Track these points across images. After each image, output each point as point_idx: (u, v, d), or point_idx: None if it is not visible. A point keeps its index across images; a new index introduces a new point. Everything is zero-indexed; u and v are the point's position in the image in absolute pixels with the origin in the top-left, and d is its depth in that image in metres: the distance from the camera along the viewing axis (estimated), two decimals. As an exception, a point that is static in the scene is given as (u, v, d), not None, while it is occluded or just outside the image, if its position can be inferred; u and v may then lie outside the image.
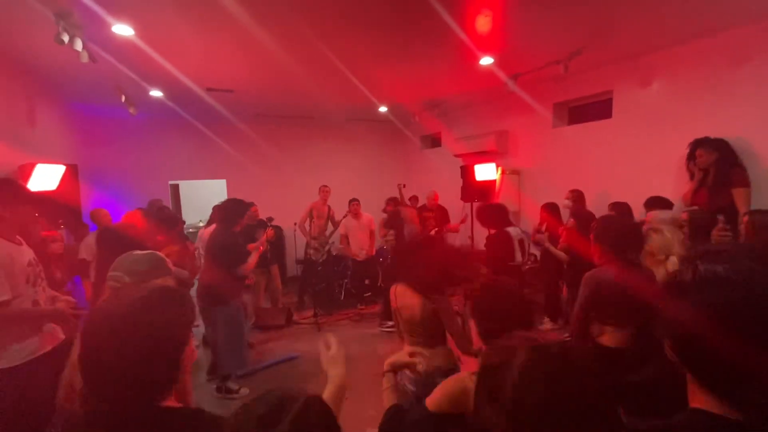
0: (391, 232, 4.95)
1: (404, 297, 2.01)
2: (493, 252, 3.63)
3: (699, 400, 0.73)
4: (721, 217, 2.44)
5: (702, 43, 3.49)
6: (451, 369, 1.92)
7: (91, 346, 0.81)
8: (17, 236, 2.02)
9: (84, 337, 0.83)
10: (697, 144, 3.10)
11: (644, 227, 2.19)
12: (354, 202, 5.60)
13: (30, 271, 1.98)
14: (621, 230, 1.96)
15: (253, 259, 3.35)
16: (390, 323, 4.39)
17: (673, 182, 3.39)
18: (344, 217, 5.65)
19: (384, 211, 5.81)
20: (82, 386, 0.85)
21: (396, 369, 1.50)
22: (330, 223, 5.70)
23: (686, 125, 3.58)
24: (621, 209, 3.52)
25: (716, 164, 3.00)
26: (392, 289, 2.10)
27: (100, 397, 0.81)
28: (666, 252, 1.96)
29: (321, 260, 5.59)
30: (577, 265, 3.31)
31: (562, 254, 3.76)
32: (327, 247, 5.63)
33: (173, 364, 0.86)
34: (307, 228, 5.55)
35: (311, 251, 5.53)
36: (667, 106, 3.81)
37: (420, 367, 1.55)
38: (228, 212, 3.34)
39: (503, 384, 0.69)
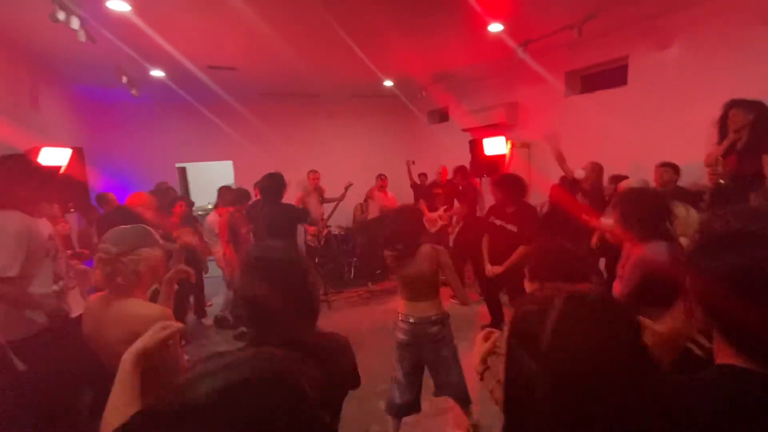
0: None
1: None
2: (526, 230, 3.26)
3: (726, 355, 0.75)
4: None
5: (724, 2, 3.28)
6: (440, 318, 2.26)
7: (256, 291, 1.03)
8: (37, 210, 2.06)
9: (245, 282, 1.06)
10: (732, 104, 2.88)
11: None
12: (382, 177, 5.56)
13: (50, 245, 2.03)
14: (654, 202, 1.84)
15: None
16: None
17: (701, 149, 3.22)
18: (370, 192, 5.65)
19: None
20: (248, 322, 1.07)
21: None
22: (323, 204, 5.68)
23: (708, 90, 3.41)
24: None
25: (751, 127, 2.79)
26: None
27: (267, 329, 1.02)
28: (687, 231, 1.87)
29: (320, 245, 5.57)
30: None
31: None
32: (325, 231, 5.60)
33: (318, 299, 1.11)
34: None
35: (309, 238, 5.51)
36: (686, 70, 3.63)
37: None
38: (272, 189, 3.37)
39: (540, 331, 0.67)
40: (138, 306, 1.35)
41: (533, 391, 0.65)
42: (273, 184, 3.37)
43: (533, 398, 0.65)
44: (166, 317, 1.29)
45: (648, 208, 1.82)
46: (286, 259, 1.10)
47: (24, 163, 2.07)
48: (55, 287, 2.03)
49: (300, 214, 3.57)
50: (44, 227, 2.04)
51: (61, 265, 2.09)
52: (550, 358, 0.65)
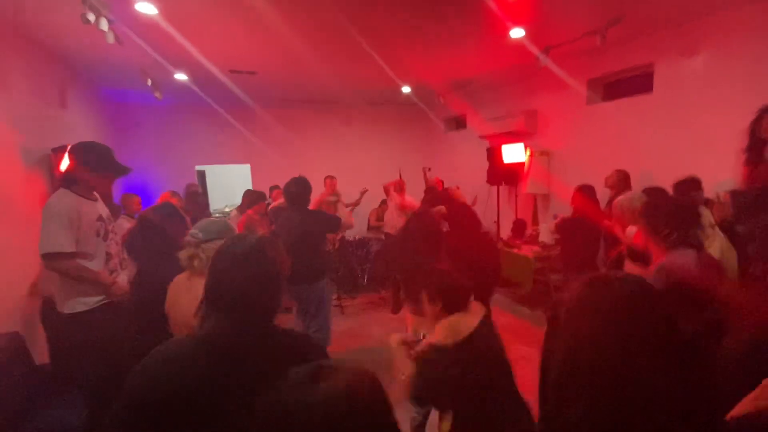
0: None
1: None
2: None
3: None
4: None
5: (754, 7, 3.17)
6: None
7: (219, 278, 1.01)
8: (93, 193, 2.19)
9: (212, 271, 1.02)
10: (767, 110, 2.76)
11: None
12: (400, 179, 5.53)
13: (100, 225, 2.14)
14: (675, 206, 1.78)
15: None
16: None
17: (729, 160, 3.08)
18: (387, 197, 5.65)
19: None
20: (202, 313, 1.02)
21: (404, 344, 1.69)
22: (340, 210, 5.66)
23: (736, 98, 3.29)
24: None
25: None
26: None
27: (225, 320, 0.97)
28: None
29: (335, 249, 5.54)
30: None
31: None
32: (339, 236, 5.57)
33: (279, 293, 1.05)
34: None
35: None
36: (714, 77, 3.51)
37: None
38: (300, 195, 3.30)
39: (560, 317, 0.73)
40: None
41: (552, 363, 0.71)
42: (301, 190, 3.29)
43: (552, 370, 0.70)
44: None
45: (674, 215, 1.74)
46: (247, 248, 1.05)
47: (106, 153, 2.19)
48: (108, 266, 2.17)
49: (332, 223, 3.47)
50: (96, 208, 2.16)
51: (111, 246, 2.21)
52: (570, 339, 0.69)
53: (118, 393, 0.87)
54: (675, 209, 1.78)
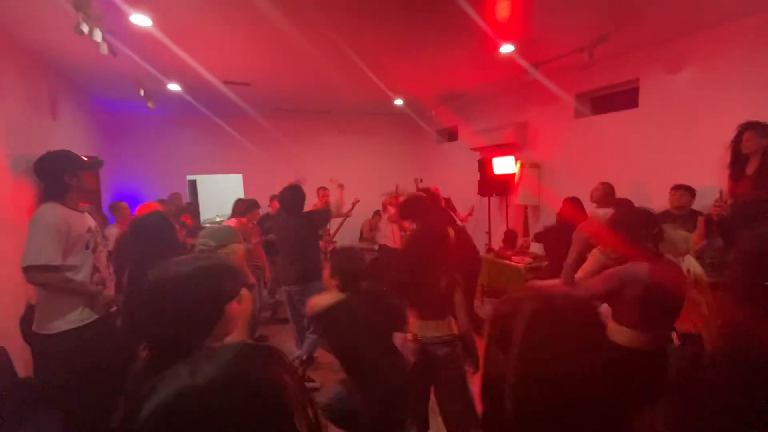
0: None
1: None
2: None
3: None
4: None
5: (738, 25, 3.29)
6: (447, 339, 2.19)
7: (142, 306, 0.97)
8: (80, 204, 2.17)
9: (130, 297, 1.00)
10: (747, 126, 2.85)
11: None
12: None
13: (89, 237, 2.11)
14: (639, 217, 1.87)
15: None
16: None
17: (713, 171, 3.18)
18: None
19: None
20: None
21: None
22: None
23: (719, 113, 3.40)
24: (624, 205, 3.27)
25: (764, 152, 2.76)
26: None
27: (148, 342, 0.96)
28: (672, 251, 1.88)
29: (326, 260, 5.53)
30: None
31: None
32: (331, 247, 5.58)
33: (208, 319, 0.99)
34: None
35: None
36: (698, 93, 3.63)
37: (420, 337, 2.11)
38: (294, 202, 3.41)
39: (514, 330, 0.74)
40: None
41: (503, 382, 0.72)
42: (294, 197, 3.41)
43: (503, 389, 0.72)
44: (247, 297, 1.62)
45: (634, 227, 1.85)
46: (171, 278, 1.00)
47: (72, 156, 2.16)
48: (93, 279, 2.13)
49: (321, 216, 3.65)
50: (85, 220, 2.14)
51: (100, 260, 2.18)
52: (521, 353, 0.72)
53: (98, 418, 0.85)
54: (634, 222, 1.87)
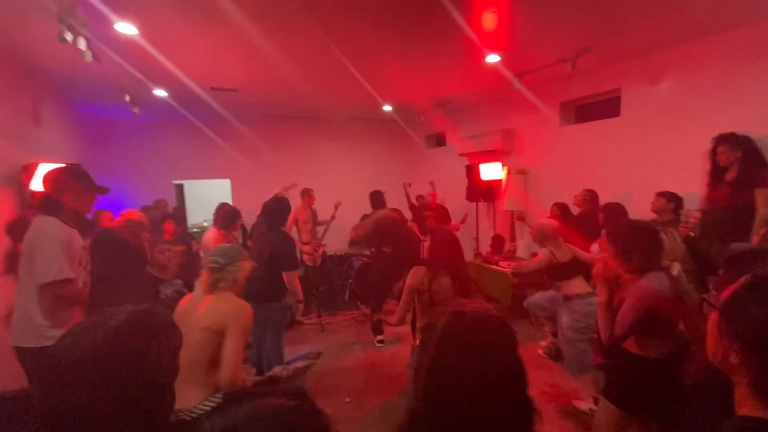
0: None
1: (439, 278, 2.32)
2: None
3: (749, 406, 0.75)
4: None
5: (715, 40, 3.41)
6: None
7: (59, 395, 0.69)
8: (71, 221, 2.17)
9: (46, 383, 0.72)
10: (720, 140, 2.98)
11: None
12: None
13: (83, 254, 2.17)
14: (651, 238, 1.87)
15: None
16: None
17: (692, 178, 3.29)
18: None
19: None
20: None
21: None
22: (317, 225, 5.63)
23: (698, 123, 3.51)
24: (615, 210, 3.35)
25: (740, 162, 2.89)
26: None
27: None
28: (672, 257, 1.91)
29: (317, 266, 5.51)
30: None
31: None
32: (321, 250, 5.56)
33: (156, 397, 0.77)
34: (296, 236, 5.38)
35: (306, 256, 5.43)
36: (677, 104, 3.74)
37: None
38: (277, 213, 3.29)
39: (431, 339, 0.89)
40: (234, 299, 1.86)
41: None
42: (279, 208, 3.32)
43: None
44: (250, 311, 1.81)
45: (644, 242, 1.85)
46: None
47: (82, 178, 2.16)
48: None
49: (292, 264, 3.29)
50: (78, 237, 2.16)
51: (85, 275, 2.23)
52: (437, 359, 0.87)
53: None
54: (642, 236, 1.87)
